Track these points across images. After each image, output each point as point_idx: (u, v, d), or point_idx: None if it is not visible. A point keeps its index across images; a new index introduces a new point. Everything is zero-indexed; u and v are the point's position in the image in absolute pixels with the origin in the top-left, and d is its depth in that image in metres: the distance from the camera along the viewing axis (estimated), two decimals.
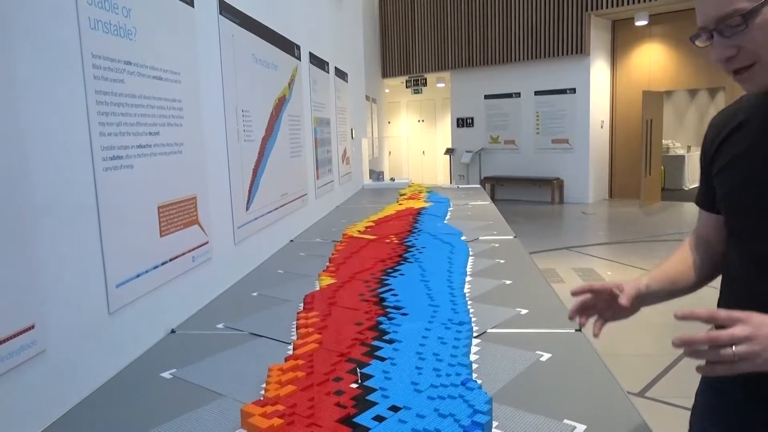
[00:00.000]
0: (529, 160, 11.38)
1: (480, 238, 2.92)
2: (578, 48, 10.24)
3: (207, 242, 2.03)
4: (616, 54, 11.14)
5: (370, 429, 1.04)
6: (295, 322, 1.70)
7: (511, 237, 2.94)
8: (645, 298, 1.11)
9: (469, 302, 1.82)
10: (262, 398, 1.17)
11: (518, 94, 11.41)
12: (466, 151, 12.13)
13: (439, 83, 13.18)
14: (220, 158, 2.23)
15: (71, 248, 1.32)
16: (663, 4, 9.67)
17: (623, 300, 1.04)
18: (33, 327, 1.16)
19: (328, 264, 2.42)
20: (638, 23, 10.31)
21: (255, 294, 2.09)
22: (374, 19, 11.83)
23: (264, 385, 1.26)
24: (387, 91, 13.75)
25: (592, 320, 1.13)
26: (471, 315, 1.68)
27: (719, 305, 1.13)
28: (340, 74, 5.14)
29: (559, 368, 1.34)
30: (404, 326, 1.58)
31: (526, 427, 1.07)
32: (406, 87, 13.10)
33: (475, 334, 1.55)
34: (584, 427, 1.06)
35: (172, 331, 1.72)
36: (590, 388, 1.23)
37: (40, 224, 1.20)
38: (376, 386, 1.21)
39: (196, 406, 1.21)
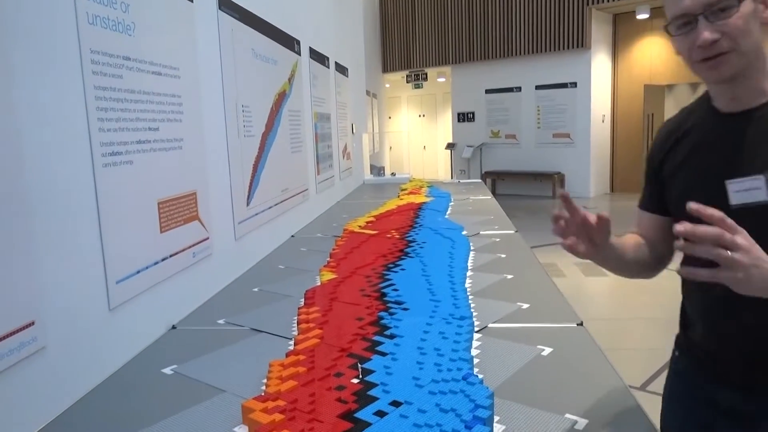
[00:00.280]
0: (530, 154, 11.36)
1: (481, 232, 2.91)
2: (579, 42, 10.20)
3: (207, 238, 2.03)
4: (617, 48, 11.10)
5: (371, 424, 1.04)
6: (296, 318, 1.70)
7: (512, 231, 2.94)
8: (607, 247, 1.08)
9: (470, 297, 1.82)
10: (263, 393, 1.17)
11: (519, 89, 11.38)
12: (467, 146, 12.11)
13: (439, 78, 13.15)
14: (220, 154, 2.23)
15: (71, 244, 1.31)
16: None
17: (591, 217, 1.02)
18: (33, 324, 1.16)
19: (329, 259, 2.42)
20: (639, 17, 10.26)
21: (256, 289, 2.09)
22: (374, 14, 11.80)
23: (265, 381, 1.26)
24: (387, 86, 13.72)
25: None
26: (472, 310, 1.67)
27: (683, 292, 1.22)
28: (341, 69, 5.13)
29: (560, 363, 1.33)
30: (405, 321, 1.58)
31: (528, 421, 1.07)
32: (407, 82, 13.07)
33: (476, 329, 1.54)
34: (586, 421, 1.06)
35: (173, 327, 1.72)
36: (592, 382, 1.23)
37: (40, 220, 1.20)
38: (377, 381, 1.21)
39: (197, 401, 1.21)
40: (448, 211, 3.66)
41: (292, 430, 1.02)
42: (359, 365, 1.30)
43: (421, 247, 2.50)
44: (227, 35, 2.32)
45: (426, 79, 12.82)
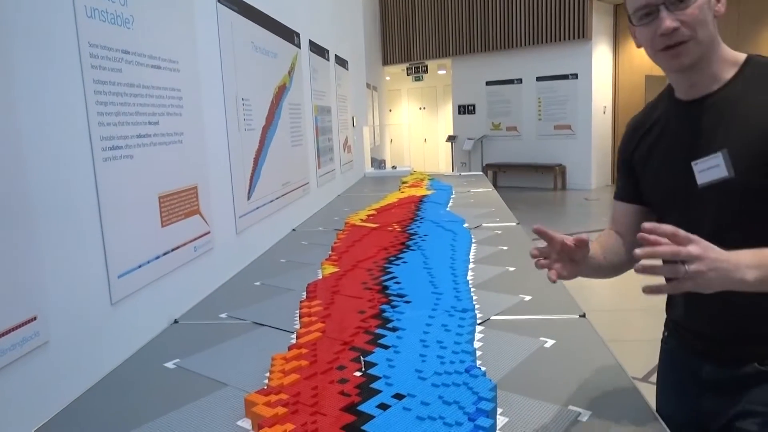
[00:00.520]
0: (532, 146, 11.33)
1: (483, 225, 2.91)
2: (580, 33, 10.15)
3: (209, 232, 2.03)
4: (618, 38, 11.04)
5: (374, 417, 1.04)
6: (298, 311, 1.70)
7: (514, 224, 2.93)
8: (587, 261, 1.11)
9: (472, 289, 1.82)
10: (265, 387, 1.17)
11: (520, 80, 11.33)
12: (468, 139, 12.08)
13: (440, 70, 13.10)
14: (220, 147, 2.22)
15: (72, 239, 1.31)
16: None
17: (569, 241, 1.04)
18: (35, 319, 1.16)
19: (330, 253, 2.42)
20: None
21: (257, 283, 2.09)
22: (374, 6, 11.74)
23: (267, 374, 1.26)
24: (388, 78, 13.67)
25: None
26: (474, 302, 1.67)
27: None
28: (341, 62, 5.11)
29: (563, 354, 1.33)
30: (407, 314, 1.57)
31: (531, 413, 1.06)
32: (407, 74, 13.03)
33: (478, 321, 1.54)
34: (589, 412, 1.06)
35: (175, 321, 1.72)
36: (594, 373, 1.23)
37: (41, 216, 1.20)
38: (379, 374, 1.21)
39: (200, 395, 1.21)
40: (450, 204, 3.66)
41: (295, 423, 1.02)
42: (362, 358, 1.30)
43: (422, 240, 2.49)
44: (227, 28, 2.31)
45: (426, 71, 12.78)
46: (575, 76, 10.56)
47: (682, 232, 0.88)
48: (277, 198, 2.91)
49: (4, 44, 1.11)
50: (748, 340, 1.10)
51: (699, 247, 0.86)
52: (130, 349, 1.49)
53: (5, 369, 1.09)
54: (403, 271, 2.02)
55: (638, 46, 1.13)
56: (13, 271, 1.10)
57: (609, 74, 11.05)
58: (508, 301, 1.71)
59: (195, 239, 1.92)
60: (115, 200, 1.46)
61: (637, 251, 0.87)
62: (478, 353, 1.34)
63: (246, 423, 1.09)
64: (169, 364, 1.39)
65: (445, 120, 13.93)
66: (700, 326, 1.18)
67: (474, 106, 12.12)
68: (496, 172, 11.66)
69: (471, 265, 2.13)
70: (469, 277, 1.96)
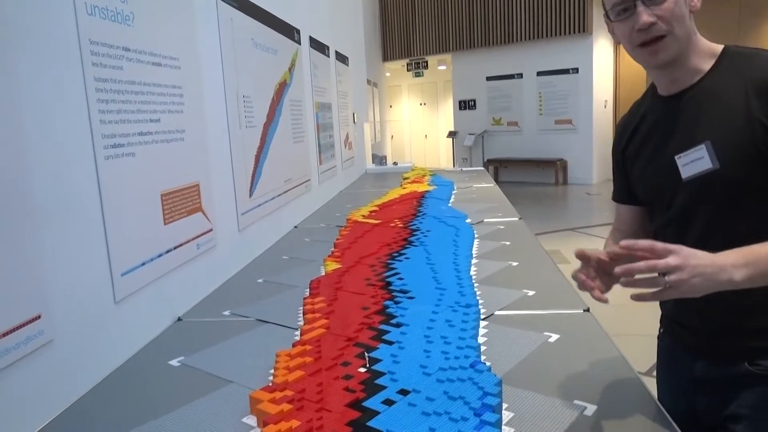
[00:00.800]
0: (533, 141, 11.30)
1: (485, 220, 2.90)
2: (581, 27, 10.11)
3: (211, 229, 2.02)
4: None
5: (379, 413, 1.04)
6: (301, 308, 1.70)
7: (516, 219, 2.93)
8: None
9: (475, 284, 1.81)
10: (270, 384, 1.17)
11: (520, 75, 11.29)
12: (469, 134, 12.05)
13: (440, 66, 13.06)
14: (222, 145, 2.22)
15: (75, 237, 1.31)
16: None
17: (604, 256, 1.05)
18: (39, 317, 1.16)
19: (333, 249, 2.42)
20: None
21: (260, 280, 2.09)
22: (374, 2, 11.70)
23: (272, 371, 1.26)
24: (388, 74, 13.64)
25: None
26: (478, 297, 1.67)
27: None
28: (341, 58, 5.10)
29: (567, 349, 1.33)
30: (411, 310, 1.57)
31: (536, 408, 1.06)
32: (408, 70, 12.99)
33: (482, 317, 1.54)
34: (594, 406, 1.05)
35: (179, 319, 1.72)
36: (599, 367, 1.23)
37: (43, 214, 1.20)
38: (384, 370, 1.21)
39: (205, 393, 1.21)
40: (451, 200, 3.65)
41: (300, 419, 1.02)
42: (366, 354, 1.30)
43: (425, 236, 2.49)
44: (227, 25, 2.31)
45: (426, 67, 12.74)
46: (576, 70, 10.53)
47: (659, 245, 0.90)
48: (278, 195, 2.91)
49: (6, 43, 1.10)
50: (736, 333, 1.09)
51: (678, 257, 0.88)
52: (134, 347, 1.49)
53: (10, 368, 1.09)
54: (406, 267, 2.02)
55: (617, 43, 1.15)
56: (17, 270, 1.10)
57: (610, 68, 11.02)
58: (512, 296, 1.71)
59: (197, 237, 1.91)
60: (117, 198, 1.46)
61: (617, 270, 0.91)
62: (483, 348, 1.34)
63: (251, 420, 1.09)
64: (174, 362, 1.39)
65: (445, 116, 13.91)
66: (690, 320, 1.18)
67: (474, 101, 12.09)
68: (498, 167, 11.64)
69: (474, 261, 2.13)
70: (472, 273, 1.96)
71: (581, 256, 1.04)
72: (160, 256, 1.66)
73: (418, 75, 13.11)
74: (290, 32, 3.32)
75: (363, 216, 3.11)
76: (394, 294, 1.73)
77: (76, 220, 1.31)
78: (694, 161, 1.05)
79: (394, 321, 1.50)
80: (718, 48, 1.09)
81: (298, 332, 1.50)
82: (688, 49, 1.07)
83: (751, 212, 1.02)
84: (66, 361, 1.25)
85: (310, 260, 2.30)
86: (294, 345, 1.37)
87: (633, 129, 1.23)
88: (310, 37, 3.85)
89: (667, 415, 1.02)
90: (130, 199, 1.52)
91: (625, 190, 1.29)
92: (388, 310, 1.59)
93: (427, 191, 3.92)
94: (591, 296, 1.03)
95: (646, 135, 1.19)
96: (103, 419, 1.15)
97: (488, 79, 11.74)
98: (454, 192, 3.99)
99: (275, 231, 2.84)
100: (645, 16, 1.02)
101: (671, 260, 0.87)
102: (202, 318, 1.73)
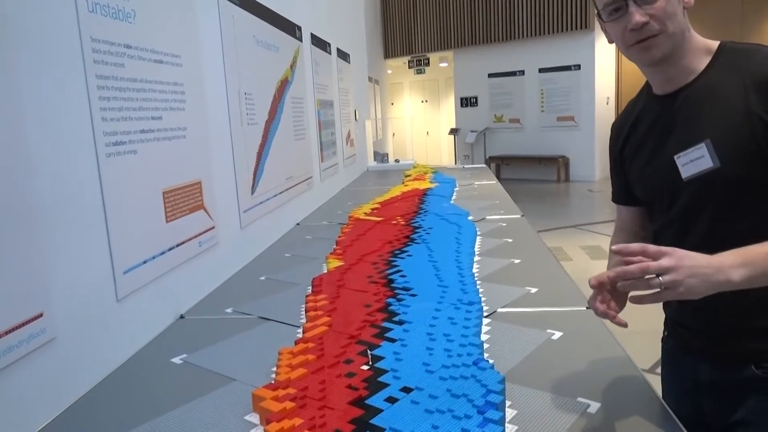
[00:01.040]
0: (535, 138, 11.28)
1: (487, 217, 2.90)
2: (582, 23, 10.08)
3: (213, 227, 2.02)
4: None
5: (382, 410, 1.03)
6: (303, 306, 1.70)
7: (519, 216, 2.92)
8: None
9: (478, 282, 1.81)
10: (273, 382, 1.17)
11: (522, 72, 11.27)
12: (471, 131, 12.04)
13: (442, 63, 13.04)
14: (223, 142, 2.22)
15: (77, 235, 1.31)
16: None
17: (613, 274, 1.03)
18: (41, 315, 1.16)
19: (335, 246, 2.41)
20: None
21: (263, 278, 2.09)
22: None
23: (275, 369, 1.25)
24: (389, 71, 13.62)
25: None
26: (480, 295, 1.67)
27: None
28: (342, 55, 5.09)
29: (570, 346, 1.33)
30: (413, 307, 1.57)
31: (540, 405, 1.06)
32: (409, 67, 12.97)
33: (485, 314, 1.54)
34: (598, 404, 1.05)
35: (181, 317, 1.72)
36: (602, 365, 1.22)
37: (45, 212, 1.19)
38: (387, 368, 1.21)
39: (208, 390, 1.21)
40: (453, 197, 3.65)
41: (303, 417, 1.02)
42: (369, 352, 1.30)
43: (427, 233, 2.49)
44: (228, 22, 2.30)
45: (428, 64, 12.72)
46: (578, 67, 10.50)
47: (651, 247, 0.90)
48: (280, 192, 2.90)
49: (7, 41, 1.10)
50: (740, 334, 1.07)
51: (671, 258, 0.87)
52: (137, 345, 1.49)
53: (12, 366, 1.09)
54: (409, 265, 2.01)
55: (610, 42, 1.12)
56: (19, 268, 1.10)
57: (612, 65, 10.99)
58: (515, 294, 1.70)
59: (200, 234, 1.91)
60: (119, 196, 1.45)
61: (611, 273, 0.92)
62: (486, 346, 1.34)
63: (254, 417, 1.08)
64: (176, 360, 1.39)
65: (447, 113, 13.89)
66: (692, 321, 1.17)
67: (476, 98, 12.07)
68: (499, 164, 11.63)
69: (476, 258, 2.12)
70: (474, 270, 1.96)
71: (597, 285, 1.01)
72: (162, 253, 1.66)
73: (419, 72, 13.08)
74: (292, 29, 3.31)
75: (365, 213, 3.10)
76: (396, 291, 1.72)
77: (77, 218, 1.31)
78: (694, 160, 1.04)
79: (396, 318, 1.50)
80: (714, 45, 1.07)
81: (300, 330, 1.50)
82: (682, 46, 1.05)
83: (751, 211, 1.01)
84: (68, 359, 1.25)
85: (313, 258, 2.30)
86: (296, 343, 1.37)
87: (629, 129, 1.22)
88: (312, 34, 3.84)
89: (671, 413, 1.01)
90: (131, 197, 1.52)
91: (624, 191, 1.28)
92: (390, 307, 1.59)
93: (428, 188, 3.91)
94: (611, 322, 1.01)
95: (642, 135, 1.18)
96: (106, 417, 1.15)
97: (490, 76, 11.72)
98: (456, 189, 3.99)
99: (277, 228, 2.84)
100: (637, 16, 1.00)
101: (664, 262, 0.87)
102: (205, 316, 1.73)
